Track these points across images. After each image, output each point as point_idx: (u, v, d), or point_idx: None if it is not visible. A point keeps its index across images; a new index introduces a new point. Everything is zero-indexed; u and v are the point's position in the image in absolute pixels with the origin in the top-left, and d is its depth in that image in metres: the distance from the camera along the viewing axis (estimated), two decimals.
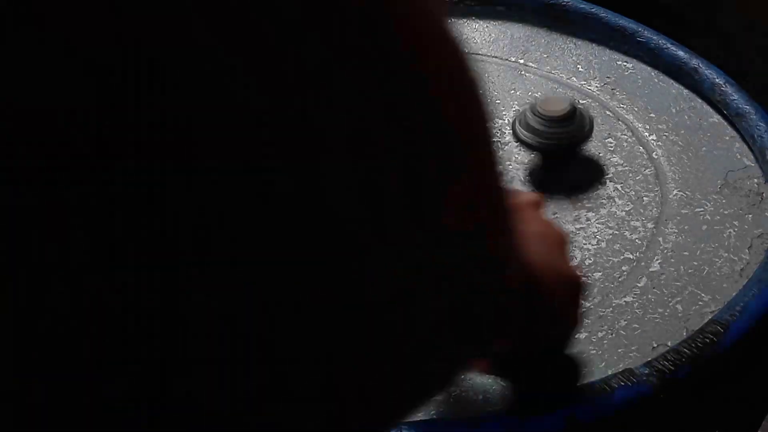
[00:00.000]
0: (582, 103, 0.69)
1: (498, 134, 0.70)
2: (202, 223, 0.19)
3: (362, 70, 0.20)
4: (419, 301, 0.23)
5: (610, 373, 0.49)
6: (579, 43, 0.84)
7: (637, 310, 0.56)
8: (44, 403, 0.20)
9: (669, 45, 0.77)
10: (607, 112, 0.75)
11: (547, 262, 0.36)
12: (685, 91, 0.76)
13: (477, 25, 0.88)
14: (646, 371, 0.47)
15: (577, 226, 0.63)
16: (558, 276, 0.37)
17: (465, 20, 0.89)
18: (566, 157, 0.67)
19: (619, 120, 0.74)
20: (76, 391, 0.20)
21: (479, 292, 0.25)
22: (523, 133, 0.64)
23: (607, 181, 0.67)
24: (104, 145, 0.18)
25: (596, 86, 0.78)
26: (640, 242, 0.62)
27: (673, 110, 0.74)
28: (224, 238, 0.19)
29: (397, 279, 0.22)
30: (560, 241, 0.40)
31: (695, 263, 0.59)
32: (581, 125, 0.65)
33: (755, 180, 0.65)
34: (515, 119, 0.66)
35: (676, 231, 0.62)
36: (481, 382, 0.52)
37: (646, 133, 0.72)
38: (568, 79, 0.79)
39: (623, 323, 0.55)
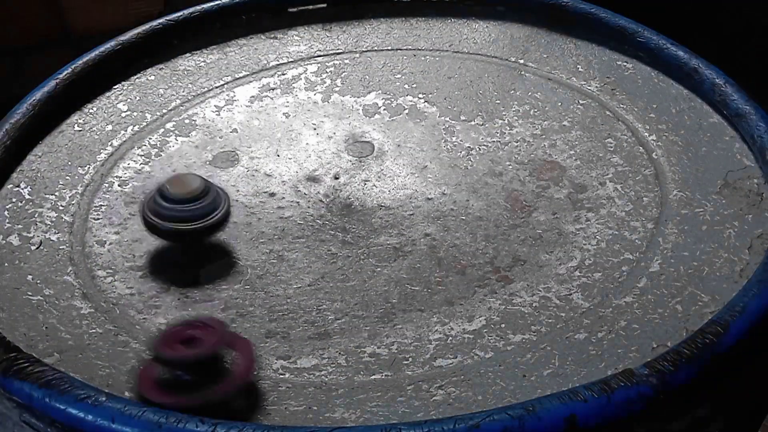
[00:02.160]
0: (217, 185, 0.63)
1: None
2: None
3: None
4: None
5: (610, 373, 0.49)
6: (579, 43, 0.84)
7: (637, 310, 0.56)
8: None
9: (669, 45, 0.77)
10: (607, 112, 0.75)
11: None
12: (685, 91, 0.76)
13: (477, 25, 0.88)
14: (646, 371, 0.47)
15: (577, 226, 0.63)
16: None
17: (465, 20, 0.89)
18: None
19: (619, 120, 0.74)
20: None
21: None
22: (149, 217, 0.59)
23: (607, 181, 0.67)
24: None
25: (596, 86, 0.78)
26: (640, 242, 0.61)
27: (673, 110, 0.74)
28: None
29: None
30: None
31: (695, 263, 0.59)
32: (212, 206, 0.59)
33: (755, 180, 0.65)
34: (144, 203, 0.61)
35: (676, 231, 0.62)
36: (481, 382, 0.52)
37: (646, 133, 0.72)
38: (568, 79, 0.79)
39: (623, 323, 0.55)
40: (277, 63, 0.84)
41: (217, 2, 0.88)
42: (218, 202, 0.60)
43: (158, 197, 0.59)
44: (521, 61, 0.83)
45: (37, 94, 0.75)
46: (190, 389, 0.46)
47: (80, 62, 0.79)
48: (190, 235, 0.59)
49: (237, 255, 0.63)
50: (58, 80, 0.77)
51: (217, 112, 0.78)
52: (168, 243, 0.61)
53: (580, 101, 0.76)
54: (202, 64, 0.84)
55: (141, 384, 0.47)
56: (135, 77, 0.82)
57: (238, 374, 0.47)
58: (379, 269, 0.61)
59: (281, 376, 0.53)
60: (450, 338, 0.55)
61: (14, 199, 0.68)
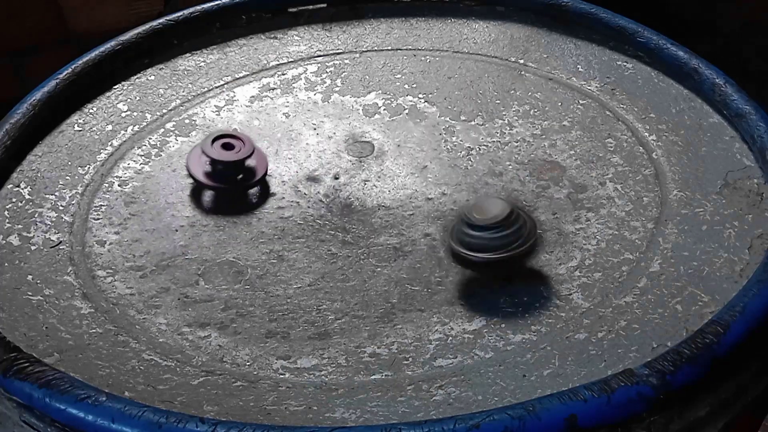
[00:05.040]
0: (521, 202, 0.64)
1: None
2: None
3: None
4: None
5: (610, 373, 0.49)
6: (579, 43, 0.84)
7: (637, 310, 0.56)
8: None
9: (669, 45, 0.77)
10: (607, 112, 0.75)
11: None
12: (685, 91, 0.76)
13: (477, 25, 0.88)
14: (646, 371, 0.47)
15: (577, 226, 0.63)
16: None
17: (465, 20, 0.89)
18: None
19: (619, 120, 0.74)
20: None
21: None
22: (455, 248, 0.58)
23: (607, 181, 0.67)
24: None
25: (596, 86, 0.78)
26: (640, 242, 0.61)
27: (673, 110, 0.74)
28: None
29: None
30: None
31: (695, 263, 0.59)
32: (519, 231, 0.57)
33: (755, 180, 0.65)
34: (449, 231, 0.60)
35: (676, 231, 0.62)
36: (481, 381, 0.52)
37: (646, 133, 0.72)
38: (568, 79, 0.79)
39: (623, 323, 0.55)
40: (277, 63, 0.84)
41: (217, 2, 0.88)
42: (523, 231, 0.57)
43: (463, 225, 0.57)
44: (521, 61, 0.83)
45: (37, 94, 0.75)
46: (227, 180, 0.67)
47: (80, 62, 0.79)
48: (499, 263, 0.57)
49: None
50: (58, 80, 0.77)
51: (217, 112, 0.78)
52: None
53: (580, 101, 0.76)
54: (202, 64, 0.84)
55: (192, 169, 0.67)
56: (135, 77, 0.82)
57: (259, 171, 0.68)
58: (379, 269, 0.61)
59: (281, 376, 0.53)
60: (450, 338, 0.55)
61: (14, 199, 0.68)
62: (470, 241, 0.57)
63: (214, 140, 0.67)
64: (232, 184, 0.68)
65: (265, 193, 0.68)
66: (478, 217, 0.56)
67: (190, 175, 0.68)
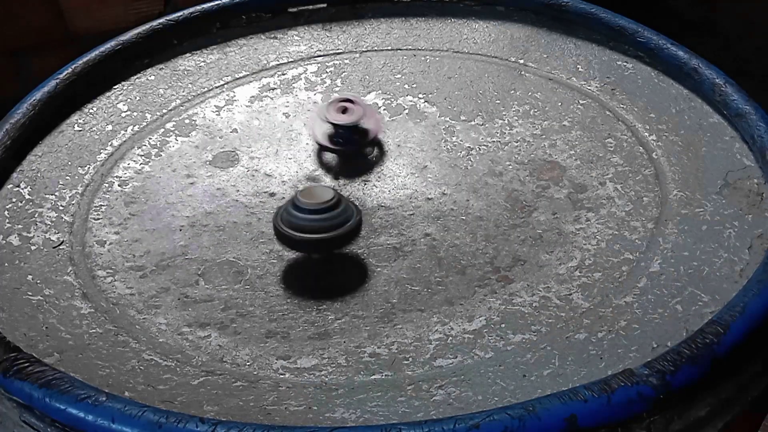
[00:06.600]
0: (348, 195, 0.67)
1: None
2: None
3: None
4: None
5: (610, 373, 0.49)
6: (579, 43, 0.84)
7: (637, 310, 0.56)
8: None
9: (669, 45, 0.77)
10: (607, 112, 0.75)
11: None
12: (685, 91, 0.76)
13: (477, 25, 0.88)
14: (646, 371, 0.47)
15: (577, 226, 0.63)
16: None
17: (465, 20, 0.89)
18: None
19: (619, 120, 0.74)
20: None
21: None
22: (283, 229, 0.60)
23: (607, 181, 0.67)
24: None
25: (596, 86, 0.78)
26: (640, 242, 0.62)
27: (673, 110, 0.74)
28: None
29: None
30: None
31: (695, 263, 0.59)
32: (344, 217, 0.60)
33: (755, 180, 0.65)
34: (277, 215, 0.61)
35: (676, 231, 0.62)
36: (481, 381, 0.52)
37: (646, 133, 0.72)
38: (568, 79, 0.79)
39: (623, 323, 0.55)
40: (277, 63, 0.84)
41: (217, 2, 0.88)
42: (349, 214, 0.61)
43: (291, 208, 0.60)
44: (521, 61, 0.83)
45: (37, 94, 0.75)
46: (345, 143, 0.72)
47: (80, 62, 0.79)
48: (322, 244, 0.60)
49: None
50: (58, 80, 0.77)
51: (217, 112, 0.78)
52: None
53: (580, 101, 0.76)
54: (202, 64, 0.84)
55: (315, 136, 0.72)
56: (135, 77, 0.82)
57: (373, 131, 0.72)
58: (379, 269, 0.61)
59: (281, 376, 0.53)
60: (450, 338, 0.55)
61: (14, 199, 0.68)
62: (297, 223, 0.59)
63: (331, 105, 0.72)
64: (350, 145, 0.72)
65: (381, 151, 0.73)
66: (306, 201, 0.60)
67: (315, 141, 0.73)
